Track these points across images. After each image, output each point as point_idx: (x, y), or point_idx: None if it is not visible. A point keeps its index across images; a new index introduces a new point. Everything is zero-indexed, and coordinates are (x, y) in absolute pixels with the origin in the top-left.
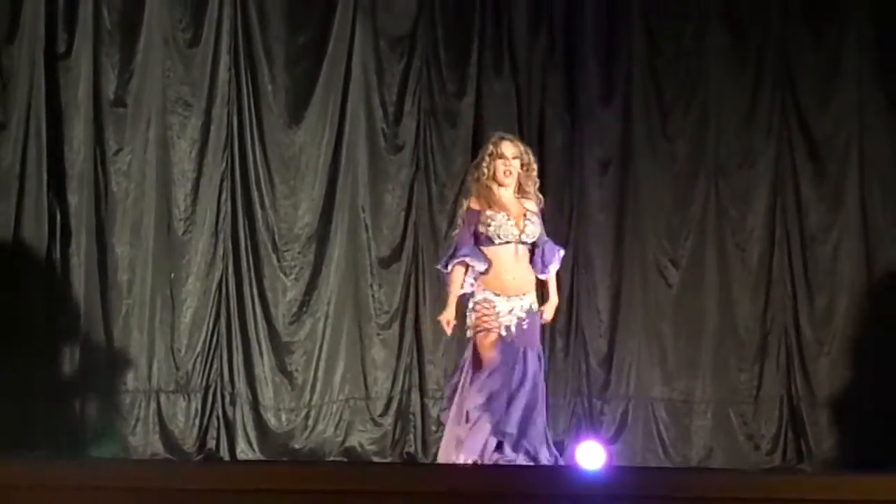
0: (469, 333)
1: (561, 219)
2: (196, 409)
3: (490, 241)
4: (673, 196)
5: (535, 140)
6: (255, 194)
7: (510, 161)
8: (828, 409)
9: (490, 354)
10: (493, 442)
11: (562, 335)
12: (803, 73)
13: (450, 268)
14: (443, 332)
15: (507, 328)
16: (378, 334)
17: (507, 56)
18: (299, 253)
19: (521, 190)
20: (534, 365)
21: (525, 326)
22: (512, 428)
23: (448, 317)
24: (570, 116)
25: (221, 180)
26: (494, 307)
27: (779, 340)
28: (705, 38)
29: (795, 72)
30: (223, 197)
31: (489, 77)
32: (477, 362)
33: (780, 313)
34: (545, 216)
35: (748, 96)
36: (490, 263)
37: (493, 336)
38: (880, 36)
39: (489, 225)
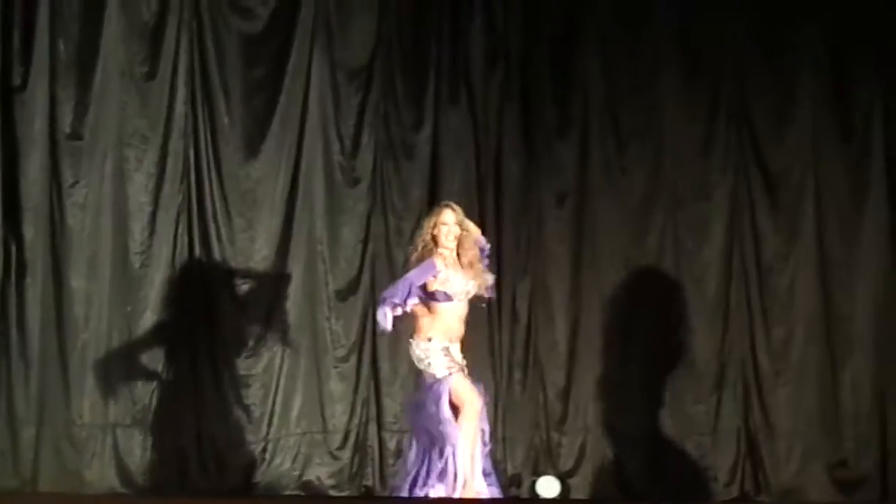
0: (440, 374)
1: (518, 252)
2: (152, 443)
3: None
4: (630, 228)
5: (492, 172)
6: (211, 227)
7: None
8: (785, 440)
9: (471, 392)
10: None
11: (520, 367)
12: (758, 105)
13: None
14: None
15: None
16: (335, 367)
17: (464, 89)
18: (256, 286)
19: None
20: None
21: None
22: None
23: None
24: (526, 149)
25: (178, 213)
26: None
27: (736, 372)
28: (661, 72)
29: (751, 104)
30: (180, 230)
31: (446, 110)
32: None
33: (738, 344)
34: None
35: (704, 129)
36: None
37: (464, 374)
38: (835, 68)
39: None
